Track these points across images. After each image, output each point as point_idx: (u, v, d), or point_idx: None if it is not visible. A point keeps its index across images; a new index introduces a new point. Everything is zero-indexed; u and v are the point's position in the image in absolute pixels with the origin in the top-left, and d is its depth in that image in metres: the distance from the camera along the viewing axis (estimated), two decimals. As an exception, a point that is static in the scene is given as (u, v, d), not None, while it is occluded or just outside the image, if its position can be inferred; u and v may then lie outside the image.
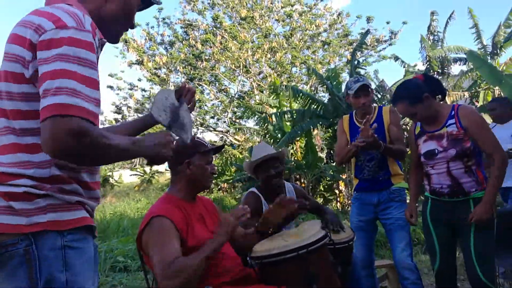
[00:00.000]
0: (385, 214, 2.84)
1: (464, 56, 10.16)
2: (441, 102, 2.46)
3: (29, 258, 1.09)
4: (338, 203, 10.51)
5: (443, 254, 2.43)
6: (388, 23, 21.13)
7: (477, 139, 2.28)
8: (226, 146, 15.38)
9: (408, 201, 2.80)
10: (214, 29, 15.83)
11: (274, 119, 10.30)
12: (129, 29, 1.42)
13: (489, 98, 10.68)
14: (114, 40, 1.38)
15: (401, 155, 2.86)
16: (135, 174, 21.46)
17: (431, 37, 11.51)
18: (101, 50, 1.26)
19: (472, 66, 9.72)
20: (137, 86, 16.63)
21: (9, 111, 1.13)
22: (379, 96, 9.84)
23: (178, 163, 1.97)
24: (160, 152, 1.28)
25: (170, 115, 1.47)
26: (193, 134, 1.56)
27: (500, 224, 2.31)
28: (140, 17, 17.70)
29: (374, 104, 3.01)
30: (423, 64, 11.02)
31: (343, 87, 9.68)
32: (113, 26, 1.33)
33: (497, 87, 9.19)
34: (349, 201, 10.05)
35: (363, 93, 2.87)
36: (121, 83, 16.57)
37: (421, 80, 2.46)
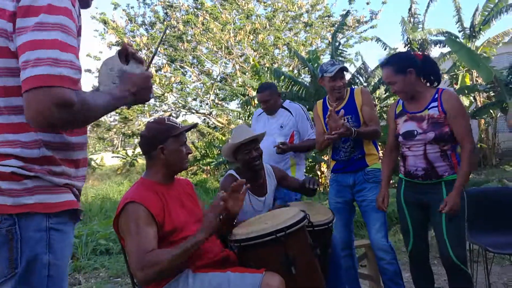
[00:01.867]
0: (360, 196, 2.88)
1: (444, 38, 10.25)
2: (427, 85, 2.47)
3: (12, 238, 1.08)
4: (321, 185, 10.62)
5: (417, 235, 2.49)
6: (368, 3, 21.01)
7: (452, 124, 2.31)
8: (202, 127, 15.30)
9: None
10: (196, 10, 15.53)
11: (256, 101, 10.27)
12: None
13: (467, 81, 10.87)
14: (85, 5, 1.33)
15: (376, 136, 2.89)
16: (117, 157, 21.19)
17: (412, 19, 11.56)
18: (80, 19, 1.22)
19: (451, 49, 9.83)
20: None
21: None
22: (362, 78, 9.88)
23: (152, 149, 1.95)
24: (141, 97, 1.31)
25: (121, 84, 1.38)
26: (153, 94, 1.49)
27: (470, 204, 2.37)
28: (119, -4, 17.19)
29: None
30: (404, 46, 11.08)
31: (325, 69, 9.69)
32: None
33: (474, 70, 9.37)
34: (331, 183, 10.20)
35: (340, 75, 2.90)
36: (99, 65, 16.20)
37: (418, 58, 2.46)
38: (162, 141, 1.93)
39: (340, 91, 2.93)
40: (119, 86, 1.27)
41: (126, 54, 1.44)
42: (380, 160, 2.92)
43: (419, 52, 2.51)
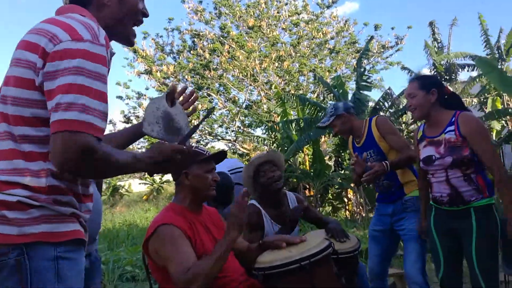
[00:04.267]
0: (398, 225, 2.77)
1: (472, 62, 10.10)
2: (445, 110, 2.42)
3: (20, 268, 1.07)
4: (347, 212, 10.44)
5: (447, 264, 2.39)
6: (393, 28, 21.07)
7: (475, 149, 2.24)
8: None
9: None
10: (222, 38, 15.97)
11: (281, 127, 10.32)
12: (143, 20, 1.35)
13: (498, 104, 10.59)
14: (128, 43, 1.36)
15: (410, 161, 2.74)
16: (144, 183, 21.54)
17: (436, 44, 11.48)
18: (111, 61, 1.25)
19: (480, 72, 9.65)
20: (145, 95, 16.80)
21: (11, 116, 1.12)
22: (386, 104, 9.81)
23: (178, 175, 1.98)
24: (163, 168, 1.30)
25: (163, 125, 1.42)
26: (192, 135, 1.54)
27: (504, 233, 2.27)
28: (149, 27, 17.88)
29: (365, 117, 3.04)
30: (430, 71, 10.97)
31: (350, 94, 9.68)
32: (121, 28, 1.31)
33: (505, 94, 9.13)
34: (358, 209, 9.99)
35: (333, 123, 2.89)
36: (129, 92, 16.74)
37: (446, 90, 2.46)
38: (186, 167, 1.95)
39: (342, 135, 3.00)
40: (146, 151, 1.28)
41: (172, 97, 1.47)
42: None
43: (449, 88, 2.51)
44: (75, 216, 1.18)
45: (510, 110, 9.56)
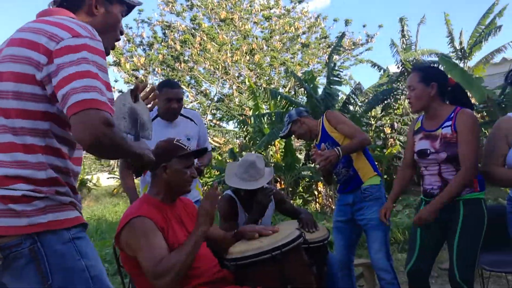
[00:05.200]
0: (359, 215, 2.85)
1: (437, 59, 10.45)
2: (447, 104, 2.41)
3: (35, 256, 1.14)
4: (317, 204, 10.60)
5: (420, 257, 2.40)
6: (364, 26, 21.45)
7: (459, 141, 2.24)
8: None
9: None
10: (193, 30, 15.77)
11: (252, 121, 10.34)
12: (119, 38, 1.48)
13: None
14: (106, 53, 1.46)
15: (363, 144, 2.83)
16: (113, 177, 21.08)
17: (404, 41, 11.79)
18: None
19: (443, 69, 10.00)
20: (114, 87, 16.41)
21: (12, 110, 1.17)
22: (357, 99, 10.01)
23: (156, 167, 1.97)
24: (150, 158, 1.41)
25: (129, 120, 1.51)
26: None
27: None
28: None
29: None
30: (397, 67, 11.26)
31: (320, 89, 9.81)
32: (102, 38, 1.39)
33: (468, 90, 9.51)
34: (328, 202, 10.18)
35: (292, 130, 3.05)
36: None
37: (449, 82, 2.44)
38: (166, 160, 1.95)
39: (303, 138, 3.11)
40: (130, 126, 1.46)
41: (136, 94, 1.57)
42: (376, 174, 2.89)
43: (450, 79, 2.49)
44: (73, 204, 1.26)
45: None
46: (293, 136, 3.11)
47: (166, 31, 15.93)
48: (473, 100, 10.65)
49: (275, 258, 1.82)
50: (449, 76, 2.60)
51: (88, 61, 1.15)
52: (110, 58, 15.64)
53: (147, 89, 1.74)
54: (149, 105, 1.70)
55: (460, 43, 10.98)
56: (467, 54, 10.93)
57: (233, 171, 2.59)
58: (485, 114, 8.49)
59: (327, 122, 2.94)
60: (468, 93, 10.48)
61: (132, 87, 1.60)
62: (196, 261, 1.85)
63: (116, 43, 1.50)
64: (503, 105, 8.65)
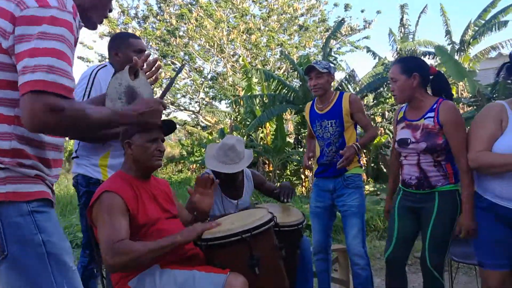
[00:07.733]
0: (340, 201, 2.89)
1: (433, 50, 10.41)
2: (430, 95, 2.44)
3: None
4: (304, 188, 10.69)
5: (398, 245, 2.47)
6: (362, 11, 21.21)
7: (448, 138, 2.27)
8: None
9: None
10: (190, 6, 15.49)
11: (245, 102, 10.30)
12: (107, 16, 1.46)
13: (454, 93, 11.03)
14: (93, 27, 1.44)
15: (374, 139, 2.98)
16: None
17: (403, 30, 11.70)
18: (79, 32, 1.31)
19: (439, 61, 9.98)
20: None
21: None
22: (350, 86, 9.98)
23: (122, 143, 1.97)
24: (147, 120, 1.39)
25: (125, 99, 1.46)
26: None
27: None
28: (113, -12, 17.02)
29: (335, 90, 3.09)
30: (392, 56, 11.21)
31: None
32: (92, 14, 1.39)
33: (461, 83, 9.53)
34: (314, 187, 10.27)
35: (314, 74, 2.90)
36: (91, 55, 16.06)
37: (431, 71, 2.45)
38: (129, 136, 1.93)
39: (316, 90, 2.92)
40: (129, 106, 1.37)
41: (136, 70, 1.54)
42: (359, 165, 2.94)
43: (435, 67, 2.49)
44: (40, 178, 1.23)
45: (462, 99, 10.01)
46: (311, 83, 2.92)
47: (162, 5, 15.62)
48: (465, 94, 10.70)
49: (244, 240, 1.84)
50: (443, 67, 2.63)
51: (46, 35, 1.11)
52: (105, 29, 15.37)
53: (150, 60, 1.67)
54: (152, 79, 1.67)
55: (462, 35, 10.90)
56: (464, 47, 10.88)
57: (212, 153, 2.58)
58: (474, 108, 8.52)
59: (347, 103, 2.88)
60: (460, 86, 10.52)
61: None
62: None
63: (110, 14, 1.48)
64: (493, 100, 8.70)
